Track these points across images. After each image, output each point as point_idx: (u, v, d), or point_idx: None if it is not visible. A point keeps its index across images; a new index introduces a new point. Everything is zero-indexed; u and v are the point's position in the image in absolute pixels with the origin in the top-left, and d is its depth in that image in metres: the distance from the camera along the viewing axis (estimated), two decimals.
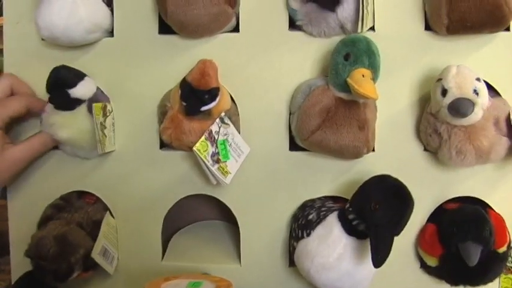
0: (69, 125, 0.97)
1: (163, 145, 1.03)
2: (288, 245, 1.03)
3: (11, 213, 1.07)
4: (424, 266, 1.02)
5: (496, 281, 1.00)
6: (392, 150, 1.00)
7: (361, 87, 0.85)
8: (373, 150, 0.99)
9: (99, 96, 1.01)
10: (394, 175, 0.88)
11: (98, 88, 1.01)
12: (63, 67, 0.95)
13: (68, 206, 1.04)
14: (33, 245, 0.92)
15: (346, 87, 0.89)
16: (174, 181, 1.03)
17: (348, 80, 0.88)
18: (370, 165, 1.00)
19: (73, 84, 0.95)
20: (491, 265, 0.95)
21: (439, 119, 0.93)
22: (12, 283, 1.01)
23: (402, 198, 0.85)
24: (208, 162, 0.92)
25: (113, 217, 1.05)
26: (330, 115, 0.92)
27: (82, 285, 1.07)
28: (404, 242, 1.01)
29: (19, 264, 1.01)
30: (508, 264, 1.00)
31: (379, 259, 0.82)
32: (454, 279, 0.99)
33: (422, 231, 1.01)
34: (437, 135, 0.94)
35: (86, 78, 0.98)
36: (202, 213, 1.19)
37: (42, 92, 0.98)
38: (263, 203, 1.03)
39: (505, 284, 1.02)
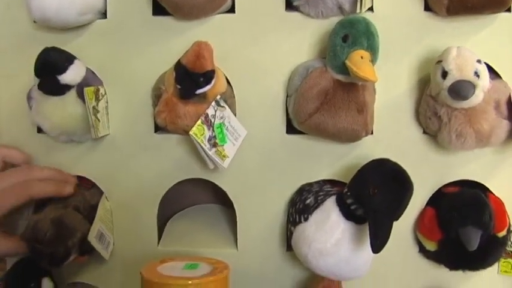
0: (59, 111, 0.96)
1: (158, 129, 1.01)
2: (285, 230, 1.02)
3: None
4: (422, 250, 1.01)
5: (496, 265, 1.00)
6: (391, 133, 0.99)
7: (360, 69, 0.84)
8: (372, 133, 0.97)
9: (90, 80, 0.98)
10: (392, 159, 0.86)
11: (89, 71, 0.99)
12: (53, 49, 0.93)
13: None
14: (30, 228, 0.90)
15: (344, 70, 0.88)
16: (170, 165, 1.02)
17: (347, 62, 0.86)
18: (369, 149, 0.98)
19: (63, 70, 0.93)
20: (490, 249, 0.94)
21: (439, 101, 0.91)
22: (7, 269, 1.00)
23: (401, 182, 0.83)
24: (206, 146, 0.91)
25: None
26: (328, 98, 0.90)
27: (77, 271, 1.07)
28: (402, 226, 0.99)
29: None
30: (507, 248, 0.99)
31: (378, 244, 0.81)
32: (453, 263, 0.98)
33: (421, 215, 1.00)
34: (437, 118, 0.93)
35: (75, 61, 0.96)
36: (198, 197, 1.18)
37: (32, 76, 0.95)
38: (260, 186, 1.01)
39: (504, 268, 1.02)
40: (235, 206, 1.02)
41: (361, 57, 0.86)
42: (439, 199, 0.98)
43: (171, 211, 1.16)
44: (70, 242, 0.91)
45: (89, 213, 0.98)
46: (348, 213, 0.88)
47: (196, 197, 1.18)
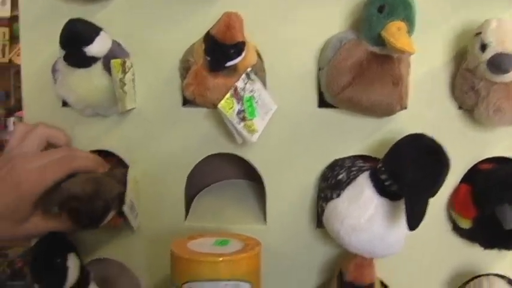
0: (85, 84, 0.94)
1: (185, 102, 0.99)
2: (315, 206, 1.00)
3: None
4: (456, 228, 0.99)
5: None
6: (425, 108, 0.97)
7: (397, 41, 0.81)
8: (406, 108, 0.94)
9: (115, 52, 0.96)
10: (427, 134, 0.84)
11: (115, 43, 0.97)
12: (79, 20, 0.90)
13: None
14: (65, 189, 0.87)
15: (379, 41, 0.85)
16: (197, 139, 1.00)
17: (383, 33, 0.84)
18: (402, 124, 0.96)
19: (89, 41, 0.91)
20: None
21: (477, 75, 0.89)
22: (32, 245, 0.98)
23: (438, 158, 0.80)
24: (234, 120, 0.88)
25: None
26: (362, 70, 0.88)
27: (101, 247, 1.06)
28: (435, 204, 0.97)
29: None
30: None
31: (414, 221, 0.79)
32: (487, 242, 0.96)
33: (456, 192, 0.97)
34: (474, 92, 0.90)
35: (101, 33, 0.93)
36: (226, 173, 1.16)
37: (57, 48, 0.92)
38: (290, 162, 0.99)
39: None
40: (264, 181, 1.00)
41: (398, 29, 0.83)
42: (474, 176, 0.96)
43: (199, 186, 1.14)
44: (109, 196, 0.89)
45: (119, 180, 0.97)
46: (381, 189, 0.85)
47: (224, 172, 1.16)
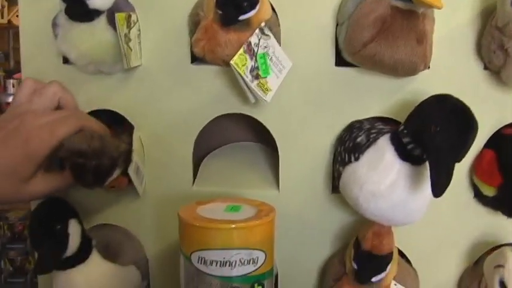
0: (87, 38, 0.89)
1: (194, 59, 0.94)
2: (331, 170, 0.96)
3: None
4: (479, 195, 0.95)
5: None
6: (449, 68, 0.92)
7: None
8: (429, 67, 0.89)
9: (121, 5, 0.91)
10: None
11: None
12: None
13: None
14: (70, 142, 0.83)
15: None
16: (207, 99, 0.95)
17: None
18: (425, 84, 0.91)
19: None
20: None
21: (507, 33, 0.83)
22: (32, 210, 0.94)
23: (466, 120, 0.76)
24: (247, 77, 0.84)
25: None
26: (386, 26, 0.82)
27: (104, 211, 1.02)
28: (457, 170, 0.91)
29: None
30: None
31: (439, 187, 0.74)
32: None
33: (479, 158, 0.93)
34: (503, 51, 0.85)
35: None
36: (236, 134, 1.12)
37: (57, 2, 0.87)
38: (305, 123, 0.95)
39: None
40: (277, 143, 0.96)
41: None
42: (499, 141, 0.92)
43: (207, 149, 1.10)
44: (115, 152, 0.85)
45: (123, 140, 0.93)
46: (403, 153, 0.81)
47: (234, 134, 1.12)
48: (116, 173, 0.87)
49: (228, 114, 0.96)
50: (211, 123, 0.97)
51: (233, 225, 0.76)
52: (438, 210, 0.95)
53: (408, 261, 1.00)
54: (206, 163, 1.06)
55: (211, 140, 1.09)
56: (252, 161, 1.06)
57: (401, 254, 0.99)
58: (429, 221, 0.94)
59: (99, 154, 0.83)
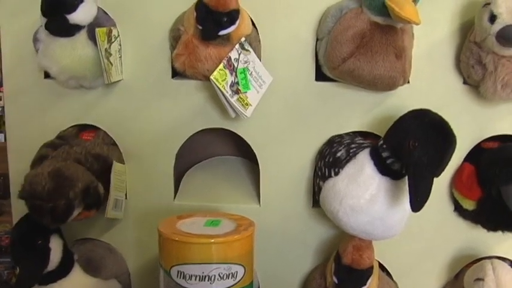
0: (68, 54, 0.89)
1: (175, 74, 0.94)
2: (312, 184, 0.96)
3: (11, 153, 1.00)
4: (459, 209, 0.95)
5: None
6: (428, 82, 0.92)
7: (402, 10, 0.76)
8: (408, 82, 0.90)
9: (101, 20, 0.92)
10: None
11: (101, 10, 0.92)
12: None
13: (64, 144, 0.95)
14: (27, 184, 0.83)
15: (383, 11, 0.80)
16: (188, 113, 0.95)
17: (387, 2, 0.79)
18: (404, 99, 0.92)
19: (72, 8, 0.86)
20: None
21: (484, 48, 0.85)
22: (13, 225, 0.94)
23: (444, 135, 0.76)
24: (227, 92, 0.84)
25: (122, 161, 0.99)
26: (365, 41, 0.83)
27: (88, 227, 1.02)
28: (438, 184, 0.92)
29: (20, 206, 0.93)
30: None
31: (418, 202, 0.74)
32: (492, 224, 0.93)
33: (459, 172, 0.94)
34: (481, 66, 0.86)
35: (86, 0, 0.88)
36: (218, 149, 1.12)
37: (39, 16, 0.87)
38: (286, 138, 0.95)
39: None
40: (258, 158, 0.96)
41: None
42: (478, 155, 0.92)
43: (189, 163, 1.10)
44: (71, 194, 0.84)
45: (92, 164, 0.92)
46: (383, 168, 0.81)
47: (216, 148, 1.12)
48: (77, 211, 0.86)
49: (210, 128, 0.97)
50: (193, 137, 0.97)
51: (212, 240, 0.76)
52: (419, 224, 0.95)
53: (389, 274, 1.00)
54: (188, 177, 1.06)
55: (193, 154, 1.09)
56: (233, 175, 1.06)
57: (382, 267, 0.99)
58: (410, 234, 0.95)
59: (55, 196, 0.82)
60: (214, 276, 0.76)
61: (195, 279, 0.76)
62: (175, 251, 0.77)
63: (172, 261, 0.77)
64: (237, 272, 0.77)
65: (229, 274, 0.76)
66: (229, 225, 0.82)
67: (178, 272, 0.76)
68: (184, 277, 0.76)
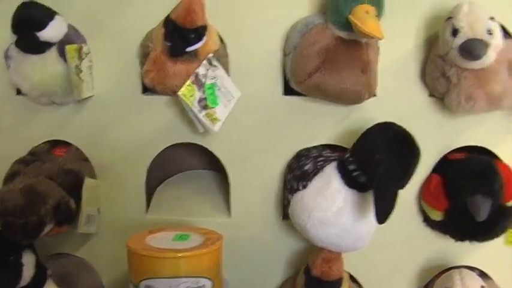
0: (39, 71, 0.90)
1: (145, 90, 0.95)
2: (281, 197, 0.97)
3: None
4: (427, 220, 0.97)
5: (502, 235, 0.94)
6: (395, 95, 0.93)
7: (364, 25, 0.78)
8: (375, 95, 0.91)
9: (72, 37, 0.92)
10: (396, 122, 0.81)
11: (71, 27, 0.93)
12: (31, 3, 0.86)
13: (36, 160, 0.95)
14: (1, 200, 0.84)
15: (347, 26, 0.82)
16: (158, 129, 0.96)
17: (350, 17, 0.80)
18: (371, 112, 0.93)
19: (42, 26, 0.87)
20: (498, 219, 0.89)
21: (448, 61, 0.86)
22: None
23: (408, 147, 0.78)
24: (195, 108, 0.85)
25: (95, 176, 0.99)
26: (329, 56, 0.84)
27: (61, 242, 1.02)
28: (406, 195, 0.95)
29: None
30: None
31: (383, 214, 0.75)
32: (459, 234, 0.93)
33: (427, 183, 0.95)
34: (446, 79, 0.87)
35: (56, 17, 0.89)
36: (190, 163, 1.12)
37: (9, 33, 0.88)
38: (255, 152, 0.96)
39: (511, 239, 0.97)
40: (228, 172, 0.97)
41: (366, 12, 0.80)
42: (445, 166, 0.93)
43: (161, 177, 1.10)
44: (43, 210, 0.84)
45: (63, 180, 0.92)
46: (350, 180, 0.82)
47: (188, 163, 1.12)
48: (48, 227, 0.87)
49: (183, 142, 0.97)
50: (166, 151, 0.98)
51: (179, 254, 0.77)
52: (389, 235, 0.96)
53: (360, 286, 1.00)
54: (160, 191, 1.07)
55: (166, 168, 1.09)
56: (205, 189, 1.07)
57: (353, 279, 0.99)
58: (380, 245, 0.96)
59: (26, 212, 0.82)
60: None
61: None
62: (144, 265, 0.78)
63: (141, 275, 0.78)
64: (204, 285, 0.78)
65: None
66: (197, 240, 0.82)
67: (146, 286, 0.77)
68: None
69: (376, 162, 0.77)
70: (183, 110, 0.91)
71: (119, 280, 1.01)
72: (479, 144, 0.95)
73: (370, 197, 0.81)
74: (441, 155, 0.95)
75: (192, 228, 0.89)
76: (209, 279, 0.78)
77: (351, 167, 0.81)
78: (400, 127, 0.80)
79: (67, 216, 0.90)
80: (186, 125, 0.95)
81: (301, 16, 0.91)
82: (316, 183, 0.85)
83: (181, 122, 0.95)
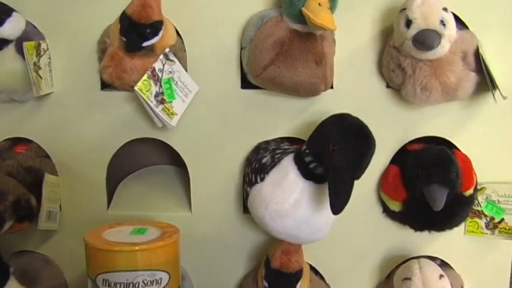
0: None
1: (104, 85, 0.95)
2: (241, 191, 0.97)
3: None
4: (386, 210, 0.97)
5: (462, 225, 0.96)
6: (352, 87, 0.94)
7: (317, 17, 0.78)
8: (332, 87, 0.92)
9: (30, 34, 0.92)
10: (354, 114, 0.81)
11: (29, 24, 0.92)
12: None
13: None
14: None
15: (301, 18, 0.82)
16: (118, 124, 0.96)
17: (303, 9, 0.80)
18: (329, 104, 0.93)
19: None
20: (457, 209, 0.91)
21: (403, 52, 0.87)
22: None
23: (363, 138, 0.78)
24: (152, 103, 0.85)
25: (56, 173, 0.99)
26: (284, 49, 0.84)
27: (24, 239, 1.02)
28: (365, 186, 0.95)
29: None
30: (474, 207, 0.95)
31: (338, 204, 0.75)
32: (418, 224, 0.95)
33: (385, 174, 0.95)
34: (401, 70, 0.88)
35: (14, 14, 0.89)
36: (151, 158, 1.12)
37: None
38: (214, 146, 0.96)
39: (471, 228, 0.98)
40: (188, 166, 0.97)
41: (319, 4, 0.80)
42: (404, 157, 0.94)
43: (124, 174, 1.10)
44: (2, 207, 0.84)
45: (24, 176, 0.92)
46: (306, 172, 0.82)
47: (150, 158, 1.12)
48: (8, 224, 0.86)
49: (144, 138, 0.97)
50: (128, 147, 0.98)
51: (136, 248, 0.77)
52: (349, 226, 0.97)
53: (322, 277, 1.01)
54: (122, 187, 1.07)
55: (128, 164, 1.09)
56: (167, 184, 1.07)
57: (315, 270, 1.00)
58: (341, 237, 0.97)
59: None
60: (139, 283, 0.76)
61: (120, 287, 0.76)
62: (100, 259, 0.78)
63: (98, 269, 0.78)
64: (161, 278, 0.78)
65: (153, 281, 0.77)
66: (154, 233, 0.83)
67: (103, 280, 0.77)
68: (109, 285, 0.77)
69: (331, 153, 0.77)
70: (142, 105, 0.90)
71: (81, 276, 1.01)
72: (437, 135, 0.95)
73: (327, 189, 0.80)
74: (400, 146, 0.95)
75: (150, 222, 0.90)
76: (166, 272, 0.79)
77: (307, 159, 0.82)
78: (355, 118, 0.80)
79: (28, 212, 0.90)
80: (145, 120, 0.95)
81: (257, 10, 0.91)
82: (273, 175, 0.85)
83: (141, 118, 0.95)
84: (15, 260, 0.99)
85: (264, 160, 0.88)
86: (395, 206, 0.94)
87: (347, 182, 0.76)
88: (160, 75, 0.86)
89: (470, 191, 0.91)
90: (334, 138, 0.78)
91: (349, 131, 0.78)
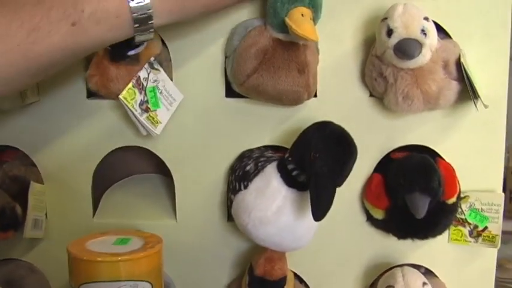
0: None
1: (90, 94, 0.96)
2: (226, 199, 0.97)
3: None
4: (370, 218, 0.97)
5: (446, 233, 0.96)
6: (335, 95, 0.94)
7: (299, 27, 0.79)
8: (315, 96, 0.93)
9: None
10: (338, 122, 0.82)
11: None
12: None
13: None
14: None
15: (284, 28, 0.82)
16: (103, 132, 0.97)
17: (286, 19, 0.81)
18: (312, 112, 0.94)
19: None
20: (440, 217, 0.91)
21: (385, 61, 0.87)
22: None
23: (344, 145, 0.78)
24: (136, 111, 0.85)
25: (42, 182, 0.99)
26: (267, 57, 0.85)
27: (11, 247, 1.02)
28: (349, 194, 0.96)
29: None
30: (457, 215, 0.96)
31: (319, 212, 0.76)
32: (401, 232, 0.95)
33: (368, 182, 0.96)
34: (383, 79, 0.88)
35: None
36: (137, 167, 1.12)
37: None
38: (198, 154, 0.97)
39: (455, 236, 0.98)
40: (173, 174, 0.98)
41: (302, 15, 0.81)
42: (387, 165, 0.94)
43: (109, 182, 1.10)
44: None
45: (9, 186, 0.93)
46: (289, 180, 0.83)
47: (136, 167, 1.13)
48: None
49: (130, 146, 0.98)
50: (114, 156, 0.98)
51: (118, 258, 0.77)
52: (333, 234, 0.97)
53: (306, 285, 1.01)
54: (107, 196, 1.07)
55: (114, 173, 1.09)
56: (152, 192, 1.07)
57: (299, 278, 1.00)
58: (324, 244, 0.97)
59: None
60: None
61: None
62: (83, 269, 0.78)
63: (80, 280, 0.78)
64: None
65: None
66: (137, 243, 0.83)
67: None
68: None
69: (313, 161, 0.77)
70: (127, 114, 0.90)
71: (67, 284, 0.98)
72: (420, 143, 0.96)
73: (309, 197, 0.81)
74: (383, 154, 0.96)
75: (134, 232, 0.90)
76: (148, 282, 0.79)
77: (290, 167, 0.82)
78: (337, 126, 0.81)
79: (13, 221, 0.91)
80: (130, 129, 0.95)
81: (242, 19, 0.92)
82: (256, 183, 0.86)
83: (127, 126, 0.95)
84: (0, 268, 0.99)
85: (248, 168, 0.89)
86: (378, 214, 0.94)
87: (329, 189, 0.77)
88: (145, 83, 0.87)
89: (453, 199, 0.92)
90: (315, 145, 0.78)
91: (331, 138, 0.79)
